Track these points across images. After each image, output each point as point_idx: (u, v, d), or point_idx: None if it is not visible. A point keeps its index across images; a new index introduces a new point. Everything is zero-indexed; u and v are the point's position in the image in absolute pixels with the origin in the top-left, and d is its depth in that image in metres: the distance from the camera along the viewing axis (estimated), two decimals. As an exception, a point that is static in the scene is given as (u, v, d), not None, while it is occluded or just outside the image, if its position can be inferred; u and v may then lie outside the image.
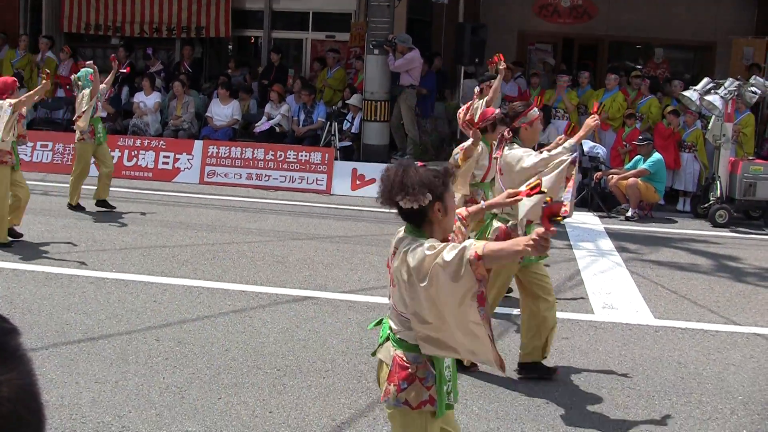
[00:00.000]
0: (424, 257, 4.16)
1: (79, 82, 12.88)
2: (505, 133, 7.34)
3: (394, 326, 4.53)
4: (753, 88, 14.31)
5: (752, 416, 6.96)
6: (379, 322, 4.83)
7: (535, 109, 7.41)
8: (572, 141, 7.33)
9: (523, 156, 7.06)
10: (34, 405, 1.69)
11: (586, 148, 15.94)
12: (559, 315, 9.21)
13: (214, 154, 16.33)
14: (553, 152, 7.11)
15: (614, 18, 21.15)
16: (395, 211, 4.42)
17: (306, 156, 16.09)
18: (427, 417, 4.43)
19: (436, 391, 4.40)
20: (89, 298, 8.92)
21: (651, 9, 20.51)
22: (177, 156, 16.41)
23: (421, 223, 4.38)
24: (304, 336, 8.08)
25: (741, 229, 14.44)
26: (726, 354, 8.28)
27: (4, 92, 10.68)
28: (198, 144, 16.56)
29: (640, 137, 14.67)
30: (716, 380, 7.66)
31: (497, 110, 9.44)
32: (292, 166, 16.05)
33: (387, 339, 4.58)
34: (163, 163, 16.42)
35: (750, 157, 15.28)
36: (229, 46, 22.08)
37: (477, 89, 11.82)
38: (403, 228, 4.48)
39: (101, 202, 13.17)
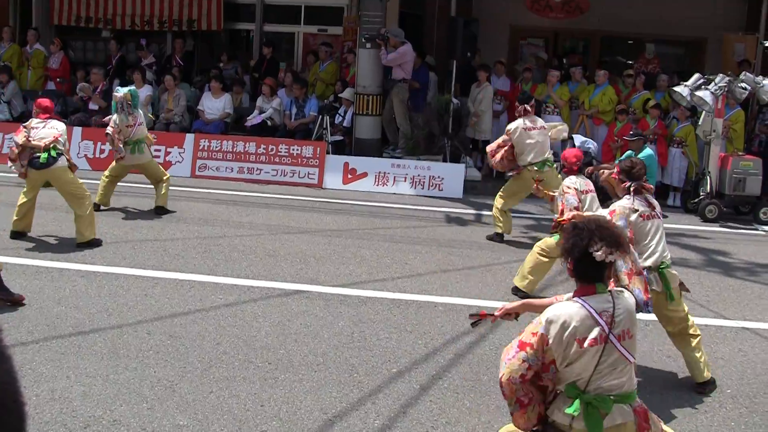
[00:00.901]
0: None
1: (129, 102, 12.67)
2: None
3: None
4: (743, 84, 14.36)
5: (740, 409, 7.00)
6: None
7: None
8: None
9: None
10: (10, 403, 1.68)
11: (577, 143, 15.88)
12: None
13: (206, 148, 16.31)
14: None
15: (606, 13, 21.14)
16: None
17: (298, 150, 16.08)
18: None
19: None
20: (80, 291, 8.91)
21: (643, 4, 20.52)
22: (168, 149, 16.38)
23: (601, 277, 4.62)
24: (296, 330, 8.08)
25: (730, 224, 14.49)
26: (715, 348, 8.31)
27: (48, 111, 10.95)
28: (189, 137, 16.53)
29: (632, 132, 14.65)
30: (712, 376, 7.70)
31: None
32: (284, 159, 16.03)
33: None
34: (155, 156, 16.37)
35: (740, 153, 15.33)
36: (221, 40, 22.01)
37: (521, 108, 12.15)
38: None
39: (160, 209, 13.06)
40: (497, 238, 12.43)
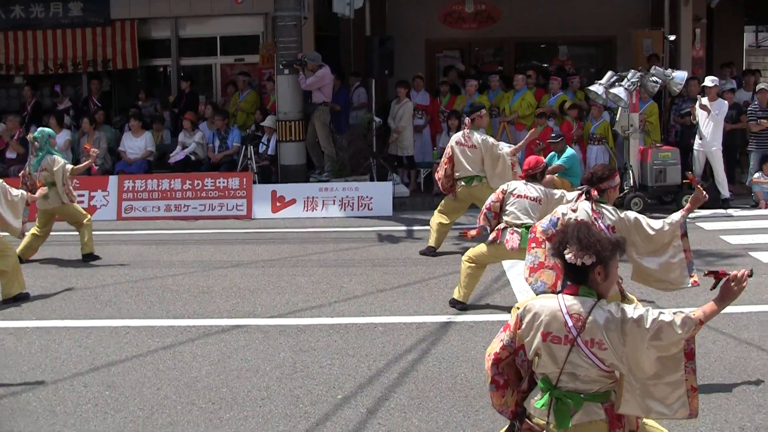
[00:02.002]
0: None
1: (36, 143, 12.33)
2: (594, 192, 7.36)
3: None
4: (654, 78, 14.66)
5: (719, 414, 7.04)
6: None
7: (617, 177, 7.63)
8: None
9: (643, 222, 7.42)
10: None
11: (501, 151, 16.06)
12: (488, 317, 9.31)
13: (131, 189, 16.10)
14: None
15: (518, 20, 21.40)
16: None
17: (224, 182, 15.96)
18: None
19: None
20: (9, 350, 8.66)
21: (551, 8, 20.82)
22: (92, 193, 16.14)
23: (581, 282, 4.61)
24: (237, 365, 7.98)
25: (656, 214, 14.57)
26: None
27: None
28: (113, 179, 16.31)
29: (553, 134, 14.82)
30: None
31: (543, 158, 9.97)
32: (211, 193, 15.89)
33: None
34: (78, 202, 16.12)
35: (658, 145, 15.70)
36: (138, 77, 21.80)
37: (467, 120, 12.24)
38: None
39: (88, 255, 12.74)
40: (428, 251, 12.45)
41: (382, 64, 16.66)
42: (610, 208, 7.26)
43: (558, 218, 7.34)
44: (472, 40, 22.48)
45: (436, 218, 12.50)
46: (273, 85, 17.66)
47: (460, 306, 9.63)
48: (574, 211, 7.23)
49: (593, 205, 7.19)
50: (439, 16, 21.82)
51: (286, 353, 8.31)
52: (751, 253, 11.94)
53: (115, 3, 20.07)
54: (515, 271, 11.27)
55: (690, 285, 7.59)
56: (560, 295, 4.65)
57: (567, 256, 4.56)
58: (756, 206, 15.67)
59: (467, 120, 12.23)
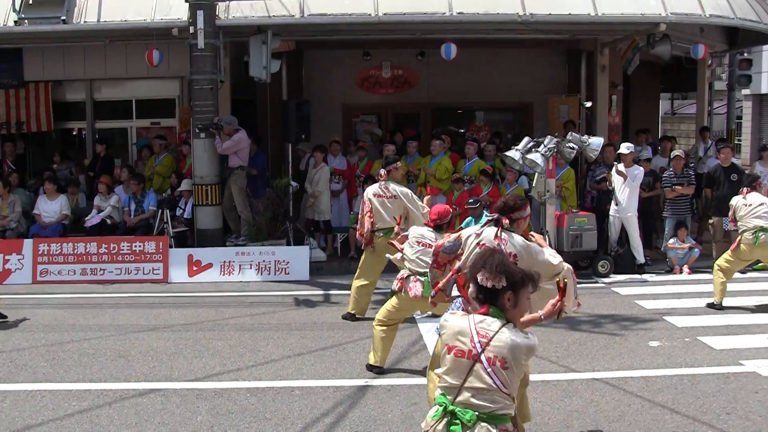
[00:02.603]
0: None
1: None
2: (504, 220, 7.42)
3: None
4: (570, 144, 14.87)
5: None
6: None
7: (528, 208, 7.71)
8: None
9: (546, 252, 7.40)
10: None
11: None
12: (405, 381, 9.40)
13: (46, 252, 15.92)
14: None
15: (435, 85, 21.76)
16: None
17: (140, 246, 15.86)
18: None
19: None
20: (-77, 415, 8.56)
21: (469, 74, 21.16)
22: (6, 257, 15.91)
23: (491, 304, 4.91)
24: (154, 429, 7.96)
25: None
26: (568, 401, 8.57)
27: None
28: (28, 243, 16.11)
29: (470, 200, 15.03)
30: (561, 427, 7.95)
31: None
32: (127, 257, 15.79)
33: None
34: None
35: (574, 210, 15.89)
36: (53, 140, 21.60)
37: (383, 171, 12.49)
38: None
39: None
40: (348, 316, 12.53)
41: (299, 128, 16.79)
42: (518, 237, 7.34)
43: (461, 241, 7.47)
44: (389, 105, 22.75)
45: (356, 282, 12.60)
46: (188, 148, 17.67)
47: (377, 370, 9.72)
48: (478, 234, 7.36)
49: (499, 231, 7.30)
50: (356, 81, 22.08)
51: (204, 416, 8.31)
52: (666, 318, 12.23)
53: (28, 64, 19.94)
54: (432, 335, 11.40)
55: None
56: (471, 314, 4.91)
57: (479, 278, 4.86)
58: (671, 271, 16.01)
59: (383, 172, 12.44)
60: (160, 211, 16.95)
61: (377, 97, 22.31)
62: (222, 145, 16.28)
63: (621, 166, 15.89)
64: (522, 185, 16.73)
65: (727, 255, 13.01)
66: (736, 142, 25.17)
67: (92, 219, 17.23)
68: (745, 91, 32.41)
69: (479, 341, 4.77)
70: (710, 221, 16.66)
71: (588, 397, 8.73)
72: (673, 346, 10.53)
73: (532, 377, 9.26)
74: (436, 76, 21.53)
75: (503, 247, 7.12)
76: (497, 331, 4.78)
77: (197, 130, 16.41)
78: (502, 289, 4.85)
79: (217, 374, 9.79)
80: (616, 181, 15.93)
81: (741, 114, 34.85)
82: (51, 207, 17.39)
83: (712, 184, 16.31)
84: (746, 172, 16.99)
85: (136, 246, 15.85)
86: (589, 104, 18.52)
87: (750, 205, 12.86)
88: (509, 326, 4.81)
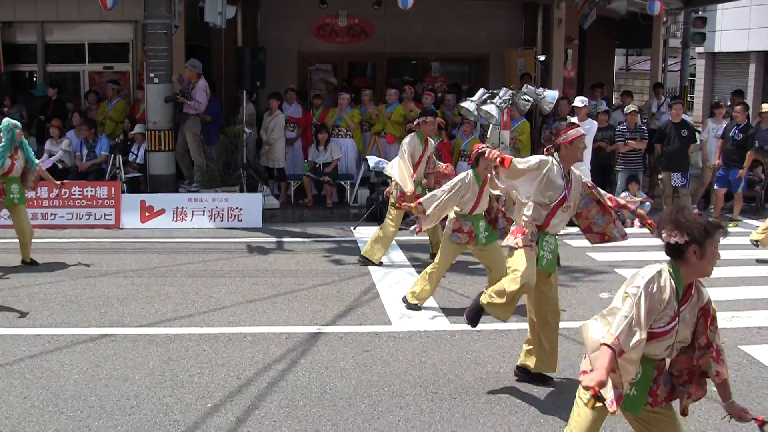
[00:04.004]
0: None
1: None
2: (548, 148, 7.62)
3: None
4: (525, 96, 14.88)
5: (547, 406, 7.40)
6: None
7: (578, 129, 7.71)
8: None
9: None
10: None
11: (371, 164, 16.26)
12: (358, 329, 9.47)
13: (-5, 196, 15.75)
14: None
15: (391, 35, 21.66)
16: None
17: (92, 191, 15.74)
18: None
19: None
20: None
21: (425, 25, 21.12)
22: (-45, 201, 15.74)
23: (678, 259, 5.03)
24: (106, 374, 7.95)
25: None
26: (519, 351, 8.66)
27: None
28: (-24, 186, 15.92)
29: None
30: (512, 376, 8.05)
31: (483, 145, 9.94)
32: (78, 202, 15.66)
33: None
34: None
35: (527, 162, 15.98)
36: (3, 83, 21.28)
37: (415, 123, 12.79)
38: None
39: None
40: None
41: (254, 75, 16.69)
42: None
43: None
44: (344, 54, 22.66)
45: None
46: (142, 93, 17.50)
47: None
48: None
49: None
50: (312, 29, 21.93)
51: (155, 362, 8.32)
52: (616, 270, 12.40)
53: (-22, 5, 19.62)
54: (385, 283, 11.51)
55: None
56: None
57: (662, 235, 5.00)
58: (622, 224, 16.18)
59: (414, 124, 12.78)
60: (112, 156, 16.83)
61: (333, 46, 22.18)
62: (195, 105, 16.29)
63: (575, 120, 15.98)
64: (475, 137, 16.78)
65: None
66: (689, 99, 25.41)
67: (43, 163, 17.01)
68: (699, 49, 32.73)
69: None
70: (659, 176, 16.85)
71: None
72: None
73: (483, 326, 9.39)
74: (393, 26, 21.44)
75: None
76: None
77: (165, 100, 16.28)
78: (684, 243, 4.92)
79: (169, 320, 9.79)
80: (570, 134, 16.01)
81: (694, 72, 35.16)
82: (0, 150, 17.16)
83: (662, 139, 16.46)
84: (696, 129, 17.22)
85: (87, 191, 15.73)
86: (543, 58, 18.55)
87: None
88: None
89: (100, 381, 7.78)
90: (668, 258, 5.06)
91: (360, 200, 17.11)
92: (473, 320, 7.95)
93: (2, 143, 12.04)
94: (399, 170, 12.26)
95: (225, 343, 8.93)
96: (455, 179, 10.08)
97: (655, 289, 4.95)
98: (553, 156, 7.57)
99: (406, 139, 12.52)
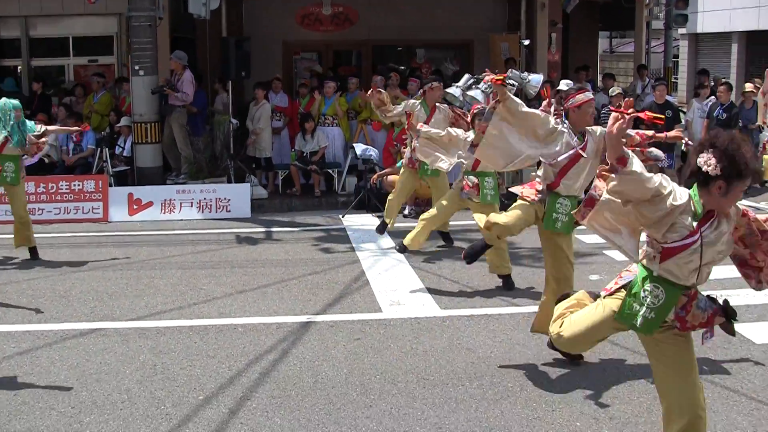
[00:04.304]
0: None
1: None
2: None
3: None
4: (510, 81, 14.86)
5: (540, 390, 7.40)
6: None
7: (587, 93, 7.85)
8: None
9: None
10: None
11: (358, 152, 16.28)
12: (348, 317, 9.48)
13: (-18, 192, 15.71)
14: None
15: (375, 22, 21.64)
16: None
17: (79, 185, 15.70)
18: None
19: None
20: None
21: (410, 12, 21.13)
22: (-58, 197, 15.70)
23: (701, 186, 4.99)
24: (96, 369, 7.95)
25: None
26: (510, 335, 8.71)
27: None
28: (-38, 183, 15.87)
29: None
30: (504, 360, 8.10)
31: (480, 105, 10.73)
32: (66, 196, 15.62)
33: None
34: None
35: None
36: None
37: (421, 91, 12.81)
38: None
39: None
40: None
41: (239, 65, 16.66)
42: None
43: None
44: (329, 42, 22.63)
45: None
46: (128, 85, 17.45)
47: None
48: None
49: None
50: (296, 18, 21.90)
51: (146, 355, 8.32)
52: (606, 252, 12.38)
53: (-38, 0, 19.52)
54: (374, 271, 11.52)
55: None
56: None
57: (698, 156, 4.92)
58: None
59: (420, 92, 12.73)
60: (99, 149, 16.79)
61: (318, 35, 22.17)
62: (182, 97, 16.27)
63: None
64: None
65: None
66: (672, 80, 25.45)
67: (29, 158, 16.95)
68: (682, 31, 32.79)
69: None
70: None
71: (527, 332, 8.86)
72: (612, 280, 10.68)
73: (474, 311, 9.42)
74: (377, 13, 21.43)
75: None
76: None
77: (152, 92, 16.25)
78: (715, 176, 4.87)
79: (159, 313, 9.79)
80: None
81: (678, 53, 35.21)
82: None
83: (646, 120, 16.48)
84: (681, 109, 17.24)
85: (75, 185, 15.70)
86: (527, 42, 18.56)
87: None
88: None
89: (91, 376, 7.77)
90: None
91: (348, 188, 17.10)
92: (470, 258, 8.57)
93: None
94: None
95: (216, 335, 8.93)
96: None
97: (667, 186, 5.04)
98: (563, 121, 7.73)
99: (408, 101, 12.64)
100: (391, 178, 15.34)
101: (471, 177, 10.69)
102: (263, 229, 14.69)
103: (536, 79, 15.24)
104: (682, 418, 5.27)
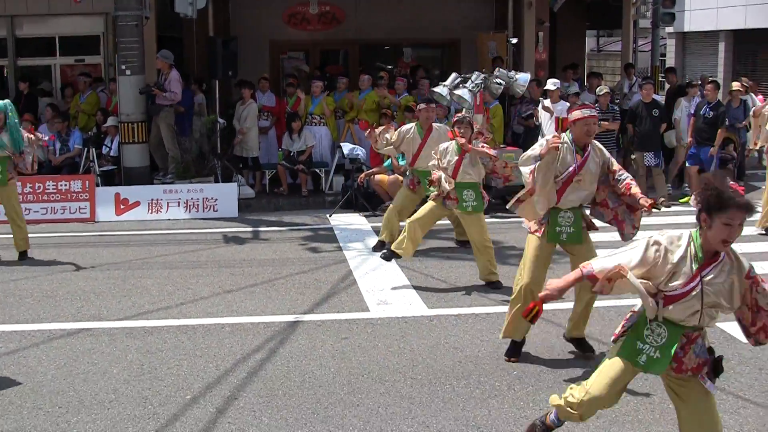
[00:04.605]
0: None
1: None
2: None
3: None
4: (498, 80, 14.94)
5: (527, 388, 7.42)
6: None
7: (583, 110, 7.93)
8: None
9: None
10: None
11: (346, 151, 16.27)
12: (336, 316, 9.48)
13: (-32, 192, 15.65)
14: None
15: (362, 22, 21.66)
16: None
17: (66, 185, 15.67)
18: None
19: None
20: None
21: (397, 11, 21.15)
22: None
23: (697, 219, 5.14)
24: (84, 369, 7.94)
25: (499, 214, 15.07)
26: (498, 334, 8.69)
27: None
28: (-50, 183, 15.82)
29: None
30: (491, 359, 8.11)
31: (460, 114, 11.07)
32: (53, 196, 15.58)
33: None
34: None
35: (501, 145, 16.02)
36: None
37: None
38: None
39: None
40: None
41: (226, 65, 16.64)
42: None
43: None
44: (316, 42, 22.63)
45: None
46: (114, 85, 17.41)
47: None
48: None
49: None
50: (283, 17, 21.90)
51: (134, 355, 8.32)
52: (596, 250, 12.38)
53: (-53, 0, 19.42)
54: (362, 270, 11.52)
55: None
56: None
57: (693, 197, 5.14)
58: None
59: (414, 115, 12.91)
60: (85, 149, 16.76)
61: (304, 34, 22.18)
62: (170, 96, 16.25)
63: (547, 102, 16.07)
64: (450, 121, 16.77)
65: None
66: (660, 79, 25.52)
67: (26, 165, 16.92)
68: (669, 29, 32.83)
69: None
70: (632, 156, 16.94)
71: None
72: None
73: (461, 311, 9.44)
74: (364, 12, 21.45)
75: None
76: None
77: (139, 92, 16.23)
78: (698, 209, 5.07)
79: (146, 313, 9.78)
80: (543, 116, 16.16)
81: (665, 52, 35.30)
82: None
83: (634, 119, 16.57)
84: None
85: (62, 185, 15.66)
86: (514, 41, 18.59)
87: None
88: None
89: (78, 376, 7.77)
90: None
91: (335, 187, 17.09)
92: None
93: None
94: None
95: (203, 335, 8.93)
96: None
97: (656, 248, 5.16)
98: (565, 133, 7.86)
99: (402, 128, 12.60)
100: (378, 177, 15.35)
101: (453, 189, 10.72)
102: (250, 229, 14.68)
103: (523, 77, 15.33)
104: None
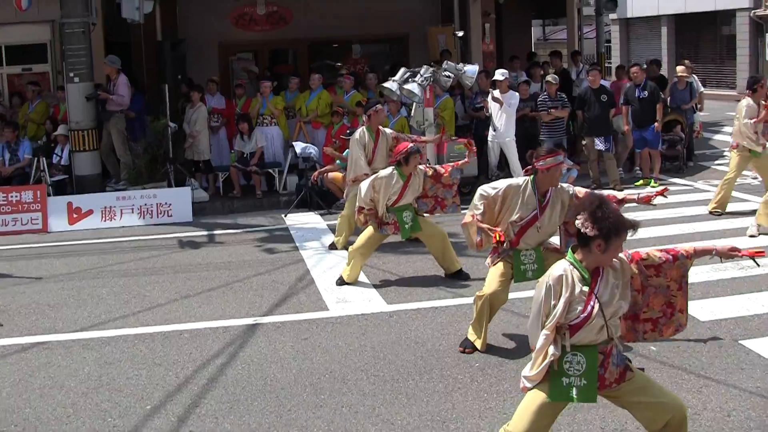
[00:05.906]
0: None
1: None
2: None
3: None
4: (447, 73, 15.00)
5: (490, 380, 7.45)
6: None
7: (557, 157, 7.71)
8: None
9: None
10: None
11: (298, 150, 16.22)
12: (295, 317, 9.45)
13: None
14: None
15: (310, 20, 21.63)
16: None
17: (16, 196, 15.45)
18: None
19: None
20: None
21: (343, 8, 21.15)
22: None
23: (582, 246, 5.21)
24: (40, 384, 7.85)
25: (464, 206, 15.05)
26: (458, 327, 8.74)
27: None
28: None
29: (348, 131, 15.04)
30: (453, 353, 8.14)
31: (410, 144, 10.60)
32: (3, 208, 15.35)
33: None
34: None
35: (453, 137, 16.03)
36: None
37: (365, 117, 12.55)
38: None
39: None
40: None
41: (175, 68, 16.54)
42: None
43: None
44: (265, 42, 22.56)
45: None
46: (63, 93, 17.23)
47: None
48: None
49: None
50: (231, 19, 21.81)
51: (91, 367, 8.23)
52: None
53: None
54: (319, 269, 11.50)
55: None
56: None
57: (577, 222, 5.13)
58: None
59: (365, 118, 12.54)
60: (36, 159, 16.56)
61: (253, 35, 22.13)
62: (117, 100, 16.12)
63: (497, 93, 16.13)
64: (402, 115, 16.77)
65: None
66: (606, 65, 25.73)
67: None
68: (613, 16, 33.24)
69: None
70: (583, 142, 17.05)
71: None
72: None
73: (420, 305, 9.45)
74: (311, 11, 21.44)
75: None
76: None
77: (86, 98, 16.08)
78: (594, 236, 5.07)
79: (102, 323, 9.68)
80: (493, 107, 16.24)
81: (610, 38, 35.62)
82: None
83: (583, 106, 16.70)
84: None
85: (12, 196, 15.44)
86: (461, 33, 18.66)
87: None
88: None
89: (34, 392, 7.67)
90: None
91: (289, 187, 17.02)
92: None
93: None
94: (349, 162, 12.49)
95: (161, 342, 8.86)
96: (381, 174, 10.55)
97: (553, 291, 5.24)
98: (530, 177, 7.82)
99: (355, 135, 12.45)
100: (331, 175, 15.31)
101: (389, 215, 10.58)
102: (205, 233, 14.59)
103: (472, 69, 15.40)
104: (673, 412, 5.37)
